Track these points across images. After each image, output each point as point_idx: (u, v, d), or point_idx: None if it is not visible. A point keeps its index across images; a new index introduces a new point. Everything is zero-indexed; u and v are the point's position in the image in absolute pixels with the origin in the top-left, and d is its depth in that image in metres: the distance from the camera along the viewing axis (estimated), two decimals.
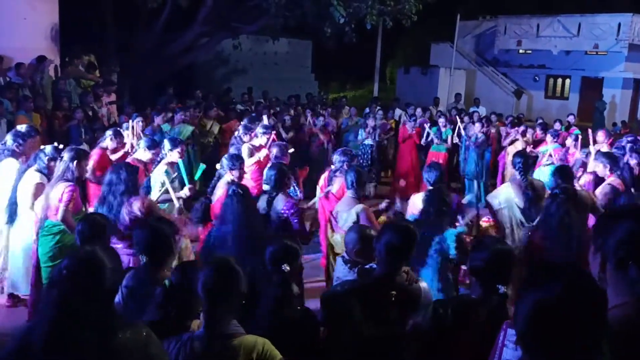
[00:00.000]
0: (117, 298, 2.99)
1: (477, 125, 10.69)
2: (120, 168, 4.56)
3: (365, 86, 28.16)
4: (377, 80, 22.78)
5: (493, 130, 11.28)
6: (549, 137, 9.69)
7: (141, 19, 14.70)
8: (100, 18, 14.39)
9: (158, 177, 5.47)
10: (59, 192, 4.59)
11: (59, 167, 4.73)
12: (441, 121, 10.80)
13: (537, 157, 9.50)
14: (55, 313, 1.99)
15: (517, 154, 5.95)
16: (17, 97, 9.06)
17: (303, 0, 13.67)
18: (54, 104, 9.44)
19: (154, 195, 5.22)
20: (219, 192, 5.04)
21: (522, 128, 10.43)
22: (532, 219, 5.09)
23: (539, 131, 10.68)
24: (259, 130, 7.52)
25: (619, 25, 21.16)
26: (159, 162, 5.82)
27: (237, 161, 5.29)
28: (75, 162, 4.69)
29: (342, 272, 3.51)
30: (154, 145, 6.16)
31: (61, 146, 5.35)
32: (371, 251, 3.17)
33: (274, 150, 6.35)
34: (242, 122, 8.51)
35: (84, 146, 8.78)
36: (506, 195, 5.37)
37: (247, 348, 2.31)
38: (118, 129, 7.23)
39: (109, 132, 6.83)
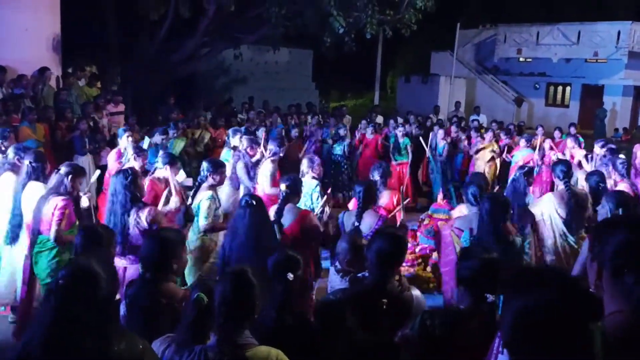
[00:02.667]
0: (122, 310, 3.01)
1: (440, 131, 10.69)
2: (125, 181, 4.37)
3: (366, 95, 28.25)
4: (377, 89, 22.88)
5: (463, 137, 11.31)
6: (522, 142, 9.78)
7: (143, 29, 14.79)
8: (102, 29, 14.49)
9: (203, 204, 4.93)
10: (52, 207, 4.46)
11: (52, 180, 4.60)
12: (399, 130, 10.74)
13: (510, 163, 9.64)
14: (52, 322, 2.02)
15: (560, 162, 5.84)
16: (22, 108, 9.10)
17: (303, 10, 13.75)
18: (57, 115, 9.48)
19: (201, 224, 4.87)
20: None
21: (490, 135, 10.42)
22: (574, 230, 5.04)
23: (503, 136, 10.70)
24: (271, 146, 7.11)
25: (619, 33, 21.24)
26: (199, 185, 5.15)
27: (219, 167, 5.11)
28: (70, 177, 4.55)
29: (335, 281, 3.54)
30: (174, 160, 5.67)
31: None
32: (362, 260, 3.19)
33: (305, 162, 6.12)
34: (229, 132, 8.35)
35: (87, 157, 8.89)
36: (547, 206, 5.29)
37: (260, 359, 2.31)
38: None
39: (162, 160, 5.74)
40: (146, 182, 5.46)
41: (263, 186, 6.61)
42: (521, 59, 24.65)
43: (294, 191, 4.72)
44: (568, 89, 24.05)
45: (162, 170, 5.61)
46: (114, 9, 14.54)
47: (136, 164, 6.03)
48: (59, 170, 4.61)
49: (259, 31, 15.03)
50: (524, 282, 1.58)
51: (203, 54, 15.90)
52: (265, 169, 6.68)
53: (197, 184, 5.18)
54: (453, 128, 11.65)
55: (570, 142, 9.49)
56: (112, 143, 9.04)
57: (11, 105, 9.20)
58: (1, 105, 8.97)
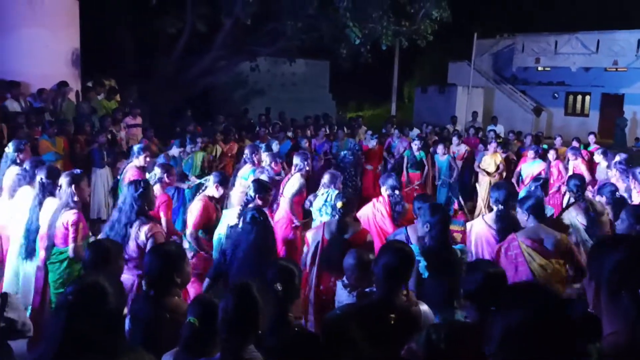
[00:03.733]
0: (127, 324, 3.03)
1: (440, 147, 10.57)
2: (136, 193, 4.43)
3: (383, 105, 28.24)
4: (394, 99, 22.87)
5: (468, 149, 11.30)
6: (530, 153, 9.43)
7: (160, 44, 15.01)
8: (120, 44, 14.73)
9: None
10: (64, 221, 4.54)
11: (63, 195, 4.64)
12: (415, 143, 10.63)
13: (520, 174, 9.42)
14: (61, 338, 2.06)
15: (573, 176, 5.92)
16: (43, 122, 9.29)
17: (319, 22, 13.84)
18: (76, 128, 9.67)
19: None
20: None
21: (493, 145, 10.25)
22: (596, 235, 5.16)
23: (499, 150, 10.46)
24: (296, 160, 6.86)
25: (638, 41, 20.94)
26: (245, 205, 5.01)
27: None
28: (73, 186, 4.59)
29: (342, 295, 3.53)
30: (225, 180, 5.57)
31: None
32: (371, 276, 3.18)
33: (327, 177, 6.10)
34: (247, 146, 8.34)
35: (106, 169, 9.03)
36: (571, 220, 5.40)
37: None
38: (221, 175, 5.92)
39: (214, 179, 5.60)
40: (198, 201, 5.44)
41: (288, 201, 6.46)
42: (539, 68, 24.42)
43: (351, 208, 4.88)
44: (587, 98, 23.76)
45: (213, 189, 5.47)
46: (131, 24, 14.78)
47: (169, 181, 5.93)
48: (60, 186, 4.65)
49: (276, 44, 15.15)
50: (510, 299, 1.64)
51: (220, 67, 16.05)
52: (296, 183, 6.52)
53: (243, 204, 5.10)
54: (455, 140, 11.50)
55: (570, 155, 9.11)
56: (129, 155, 9.13)
57: (33, 118, 9.41)
58: (23, 118, 9.18)
